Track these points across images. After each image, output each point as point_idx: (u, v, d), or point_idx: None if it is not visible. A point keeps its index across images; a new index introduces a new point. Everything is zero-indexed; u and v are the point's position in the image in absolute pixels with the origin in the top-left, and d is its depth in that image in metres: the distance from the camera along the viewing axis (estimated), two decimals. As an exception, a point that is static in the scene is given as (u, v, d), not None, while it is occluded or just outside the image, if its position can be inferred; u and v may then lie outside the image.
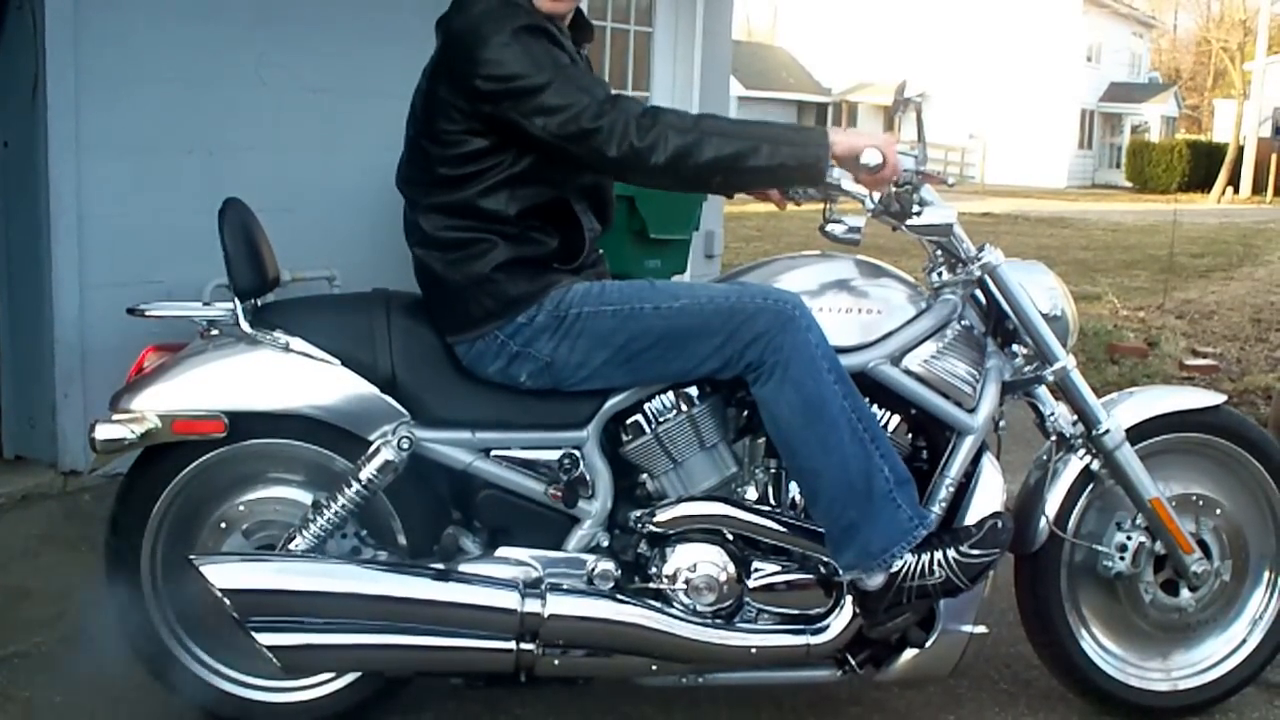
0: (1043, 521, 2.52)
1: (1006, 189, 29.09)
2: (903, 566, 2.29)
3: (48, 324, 3.80)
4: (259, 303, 2.40)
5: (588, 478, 2.35)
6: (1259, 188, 29.58)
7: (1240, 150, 30.11)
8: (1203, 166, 31.13)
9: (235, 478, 2.42)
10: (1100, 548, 2.60)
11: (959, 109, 30.36)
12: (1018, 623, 2.69)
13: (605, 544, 2.39)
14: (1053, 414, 2.55)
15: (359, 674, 2.47)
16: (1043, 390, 2.56)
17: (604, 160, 2.21)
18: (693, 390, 2.37)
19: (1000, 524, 2.35)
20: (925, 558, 2.30)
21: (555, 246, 2.34)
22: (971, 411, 2.43)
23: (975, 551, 2.31)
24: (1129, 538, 2.59)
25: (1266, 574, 2.74)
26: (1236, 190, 29.69)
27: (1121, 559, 2.59)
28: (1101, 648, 2.67)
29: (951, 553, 2.30)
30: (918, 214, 2.38)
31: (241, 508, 2.42)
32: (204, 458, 2.36)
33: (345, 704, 2.49)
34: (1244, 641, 2.73)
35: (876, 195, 2.37)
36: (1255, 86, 31.17)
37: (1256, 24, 31.82)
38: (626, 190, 4.41)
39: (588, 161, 2.24)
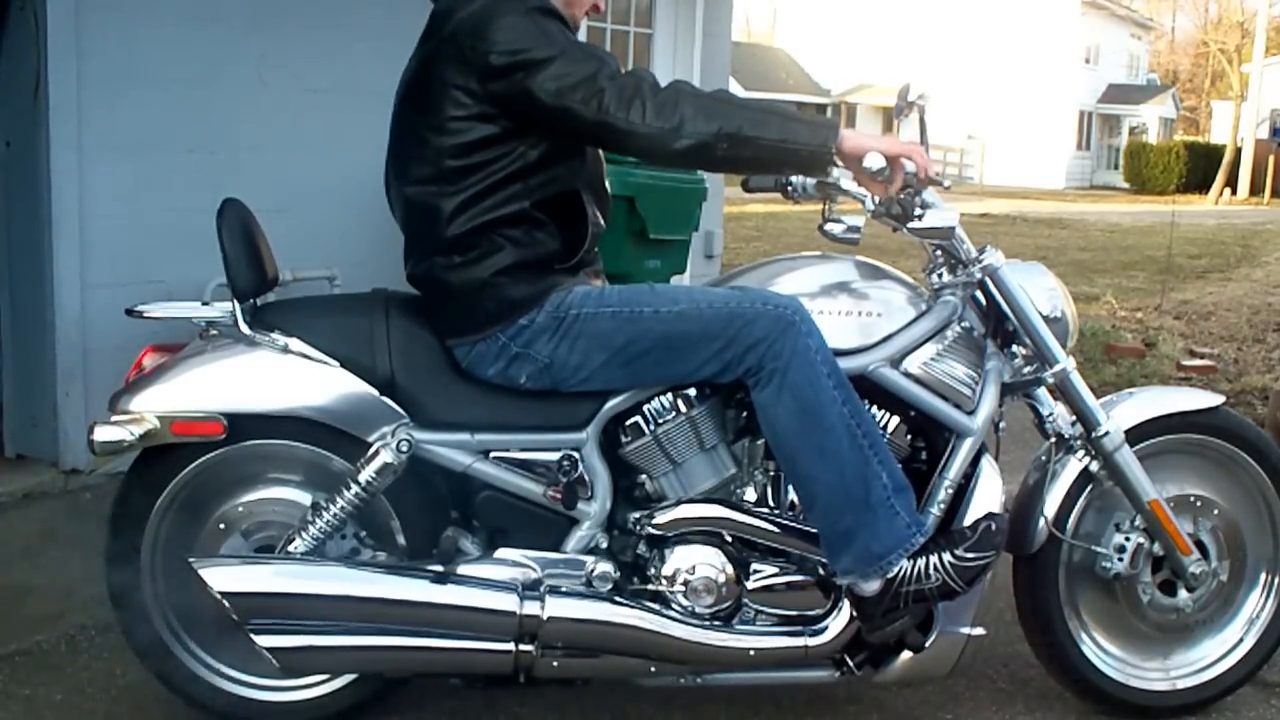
0: (1041, 522, 2.53)
1: (1005, 190, 29.11)
2: (899, 572, 2.29)
3: (49, 323, 3.80)
4: (258, 303, 2.40)
5: (587, 479, 2.35)
6: (1256, 189, 29.63)
7: (1238, 152, 30.16)
8: (1200, 168, 31.19)
9: (234, 478, 2.42)
10: (1098, 549, 2.61)
11: (958, 110, 30.36)
12: (1016, 622, 2.70)
13: (604, 545, 2.39)
14: (1052, 415, 2.56)
15: (358, 674, 2.47)
16: (1042, 391, 2.56)
17: (613, 120, 2.15)
18: (692, 392, 2.37)
19: (994, 526, 2.35)
20: (921, 562, 2.30)
21: (557, 247, 2.34)
22: (971, 413, 2.43)
23: (970, 555, 2.31)
24: (1127, 539, 2.60)
25: (1264, 574, 2.75)
26: (1234, 191, 29.73)
27: (1120, 560, 2.60)
28: (1099, 648, 2.67)
29: (947, 556, 2.31)
30: (919, 217, 2.37)
31: (241, 509, 2.42)
32: (203, 459, 2.36)
33: (345, 703, 2.49)
34: (1241, 641, 2.73)
35: (876, 196, 2.37)
36: (1253, 88, 31.24)
37: (1254, 26, 31.85)
38: (627, 191, 4.43)
39: (596, 124, 2.16)
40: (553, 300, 2.30)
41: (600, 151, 2.46)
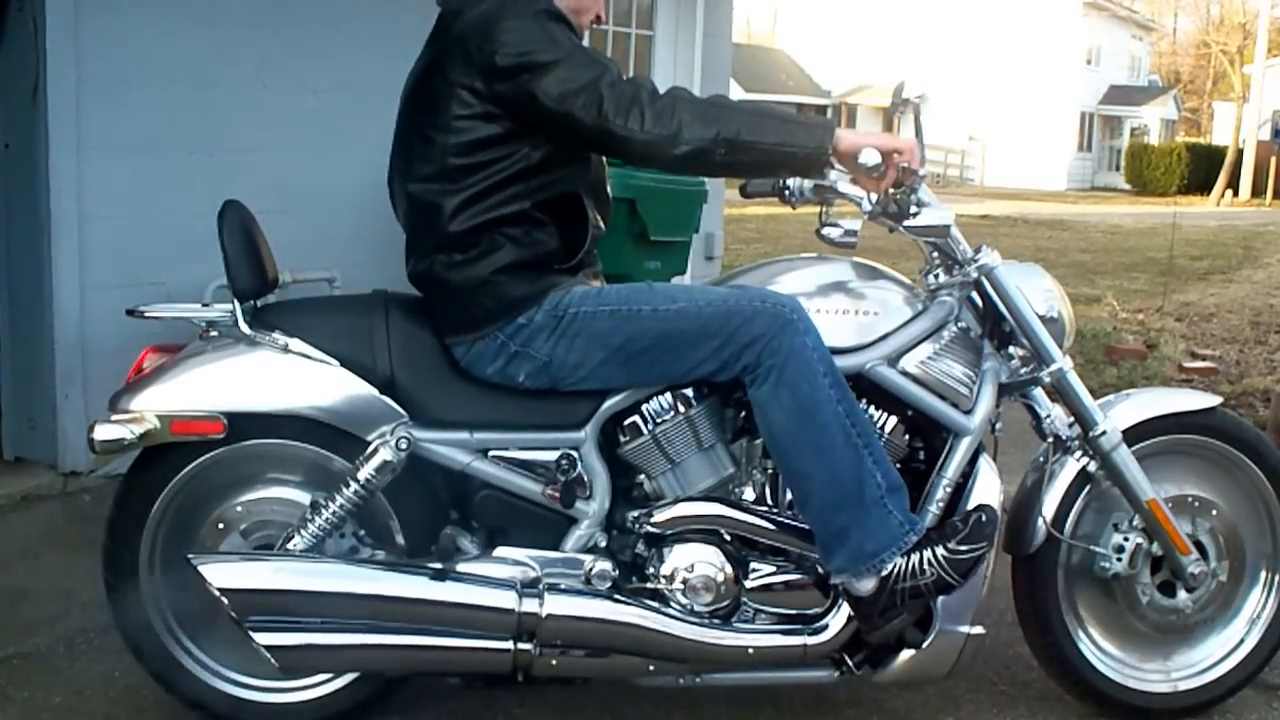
0: (1040, 523, 2.53)
1: (1006, 191, 29.11)
2: (893, 569, 2.29)
3: (48, 325, 3.80)
4: (258, 304, 2.41)
5: (585, 478, 2.36)
6: (1258, 190, 29.64)
7: (1239, 153, 30.16)
8: (1202, 169, 31.18)
9: (234, 478, 2.42)
10: (1097, 549, 2.61)
11: (959, 111, 30.37)
12: (1016, 624, 2.69)
13: (603, 544, 2.40)
14: (1049, 416, 2.56)
15: (357, 674, 2.47)
16: (1039, 392, 2.56)
17: (612, 127, 2.18)
18: (690, 391, 2.37)
19: (984, 517, 2.35)
20: (915, 558, 2.30)
21: (556, 247, 2.34)
22: (968, 413, 2.43)
23: (963, 547, 2.31)
24: (1126, 539, 2.60)
25: (1263, 574, 2.74)
26: (1236, 193, 29.73)
27: (1118, 560, 2.59)
28: (1099, 649, 2.67)
29: (940, 550, 2.31)
30: (915, 215, 2.38)
31: (240, 508, 2.42)
32: (203, 458, 2.37)
33: (344, 704, 2.49)
34: (1241, 642, 2.73)
35: (874, 198, 2.38)
36: (1254, 89, 31.25)
37: (1256, 27, 31.88)
38: (627, 193, 4.43)
39: (596, 130, 2.20)
40: (551, 299, 2.31)
41: (603, 156, 2.47)
